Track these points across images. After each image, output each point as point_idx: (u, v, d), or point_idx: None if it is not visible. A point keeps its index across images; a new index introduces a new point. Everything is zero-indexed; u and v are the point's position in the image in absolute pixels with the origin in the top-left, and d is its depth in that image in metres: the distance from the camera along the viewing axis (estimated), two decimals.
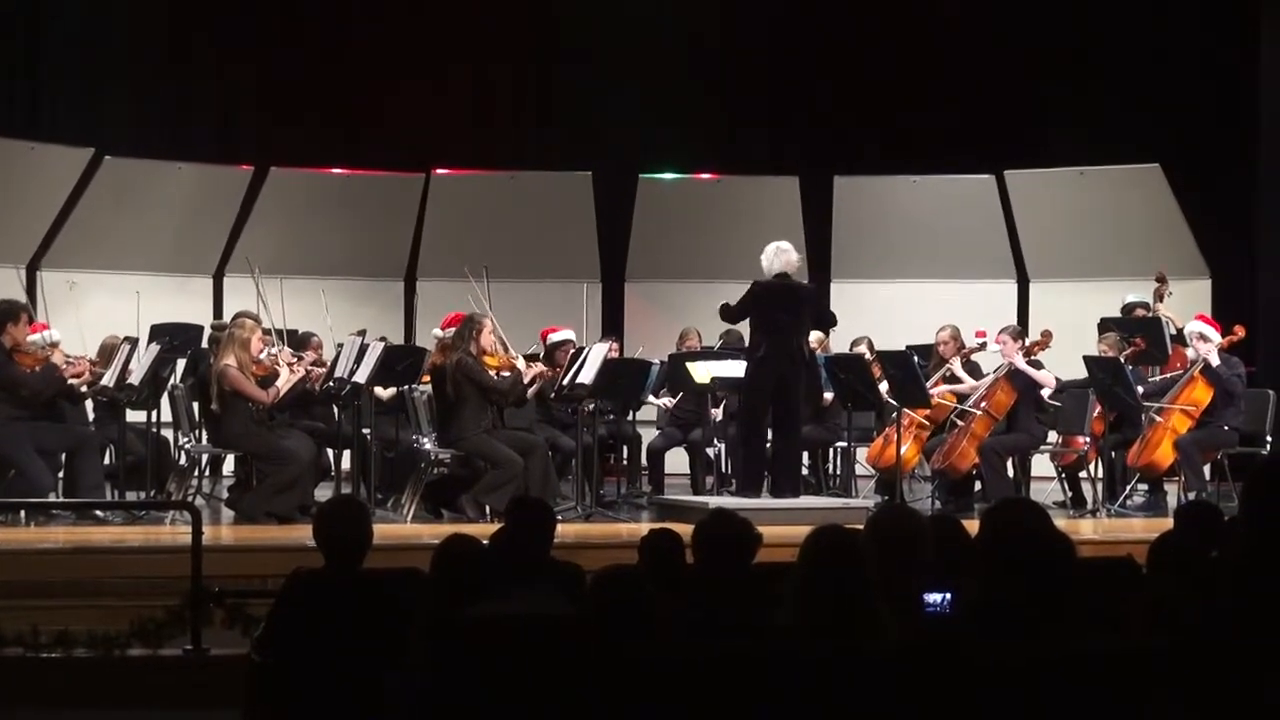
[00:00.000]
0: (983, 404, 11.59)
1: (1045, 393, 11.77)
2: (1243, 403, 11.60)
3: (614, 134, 15.88)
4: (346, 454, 11.61)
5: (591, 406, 11.35)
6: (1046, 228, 15.28)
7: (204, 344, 12.04)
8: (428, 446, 11.35)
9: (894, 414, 11.57)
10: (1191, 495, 10.99)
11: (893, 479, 11.63)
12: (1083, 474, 12.16)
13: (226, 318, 12.37)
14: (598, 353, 11.14)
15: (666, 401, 12.68)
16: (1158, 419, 11.51)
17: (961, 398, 11.83)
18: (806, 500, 11.17)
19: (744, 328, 11.53)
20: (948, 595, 4.50)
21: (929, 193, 15.56)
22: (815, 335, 12.89)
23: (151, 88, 15.48)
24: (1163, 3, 15.26)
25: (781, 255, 10.92)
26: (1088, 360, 11.63)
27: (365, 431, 11.33)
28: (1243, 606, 4.09)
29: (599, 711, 4.25)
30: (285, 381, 10.79)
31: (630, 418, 12.67)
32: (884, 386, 11.62)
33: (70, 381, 10.83)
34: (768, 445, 10.94)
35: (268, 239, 14.62)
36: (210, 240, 15.03)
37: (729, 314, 11.16)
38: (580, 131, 16.12)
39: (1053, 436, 12.14)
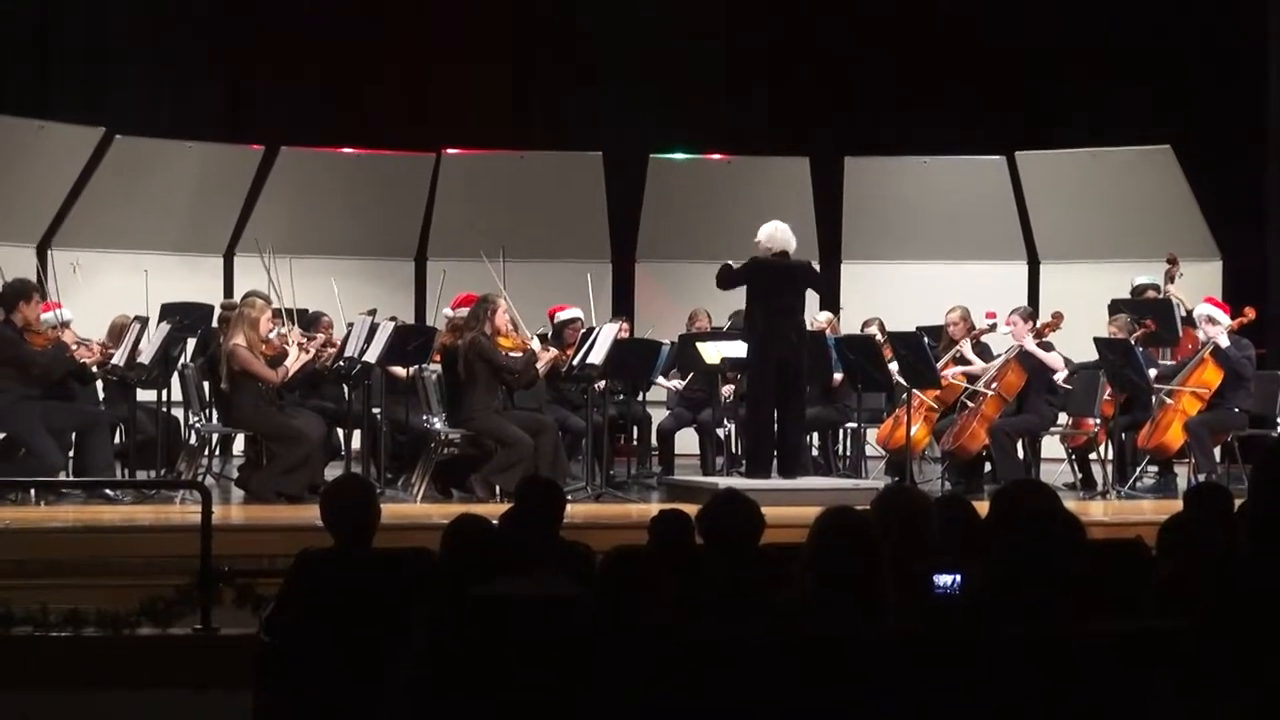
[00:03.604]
0: (993, 385, 11.58)
1: (1059, 377, 11.76)
2: (1252, 385, 11.58)
3: (625, 114, 15.86)
4: (356, 433, 11.62)
5: (602, 385, 11.35)
6: (1057, 209, 15.24)
7: (214, 323, 12.04)
8: (438, 426, 11.35)
9: (904, 395, 11.56)
10: (1201, 477, 10.96)
11: (903, 460, 11.62)
12: (1093, 456, 12.14)
13: (237, 297, 12.37)
14: (608, 333, 11.13)
15: (676, 384, 12.66)
16: (1168, 401, 11.49)
17: (971, 379, 11.83)
18: (816, 481, 11.17)
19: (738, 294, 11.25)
20: (957, 577, 4.50)
21: (940, 174, 15.52)
22: (825, 315, 12.91)
23: (162, 67, 15.48)
24: None
25: (780, 233, 10.89)
26: (1098, 342, 11.60)
27: (375, 411, 11.33)
28: (1251, 588, 4.08)
29: (607, 692, 4.25)
30: (295, 361, 10.78)
31: (640, 398, 12.66)
32: (894, 367, 11.62)
33: (81, 361, 10.83)
34: (774, 426, 10.93)
35: (278, 218, 14.61)
36: (221, 219, 15.03)
37: (727, 279, 10.94)
38: (591, 112, 16.11)
39: (1063, 418, 12.14)
